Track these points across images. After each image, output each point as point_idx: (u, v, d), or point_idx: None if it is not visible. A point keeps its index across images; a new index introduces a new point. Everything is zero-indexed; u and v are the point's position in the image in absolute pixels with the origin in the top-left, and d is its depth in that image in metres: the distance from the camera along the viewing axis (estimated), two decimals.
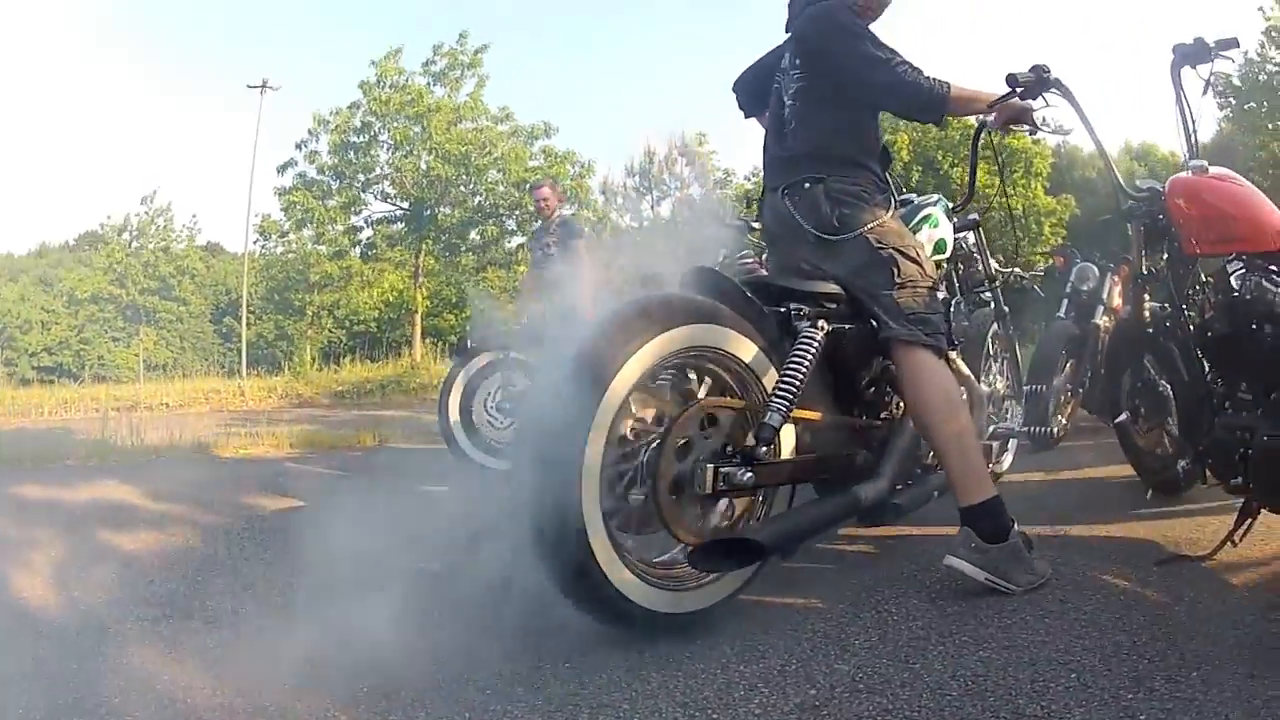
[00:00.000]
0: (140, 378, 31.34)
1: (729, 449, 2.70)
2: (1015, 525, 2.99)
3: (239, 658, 2.65)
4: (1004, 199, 3.79)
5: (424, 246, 18.10)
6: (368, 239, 18.54)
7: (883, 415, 3.33)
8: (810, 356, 2.83)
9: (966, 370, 3.69)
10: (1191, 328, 3.47)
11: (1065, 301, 5.82)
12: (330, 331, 25.51)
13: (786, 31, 3.52)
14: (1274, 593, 2.86)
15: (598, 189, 20.63)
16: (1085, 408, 5.89)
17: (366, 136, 17.37)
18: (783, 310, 2.95)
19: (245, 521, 4.71)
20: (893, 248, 3.11)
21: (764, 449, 2.68)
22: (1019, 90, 3.23)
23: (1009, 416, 4.37)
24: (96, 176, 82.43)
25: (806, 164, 3.23)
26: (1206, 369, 3.39)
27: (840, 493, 2.99)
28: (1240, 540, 3.03)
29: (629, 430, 2.62)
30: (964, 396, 3.37)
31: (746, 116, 3.84)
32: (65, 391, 15.00)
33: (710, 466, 2.59)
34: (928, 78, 3.11)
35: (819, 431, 3.01)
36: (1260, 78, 23.11)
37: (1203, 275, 3.45)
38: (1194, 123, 3.55)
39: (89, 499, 5.40)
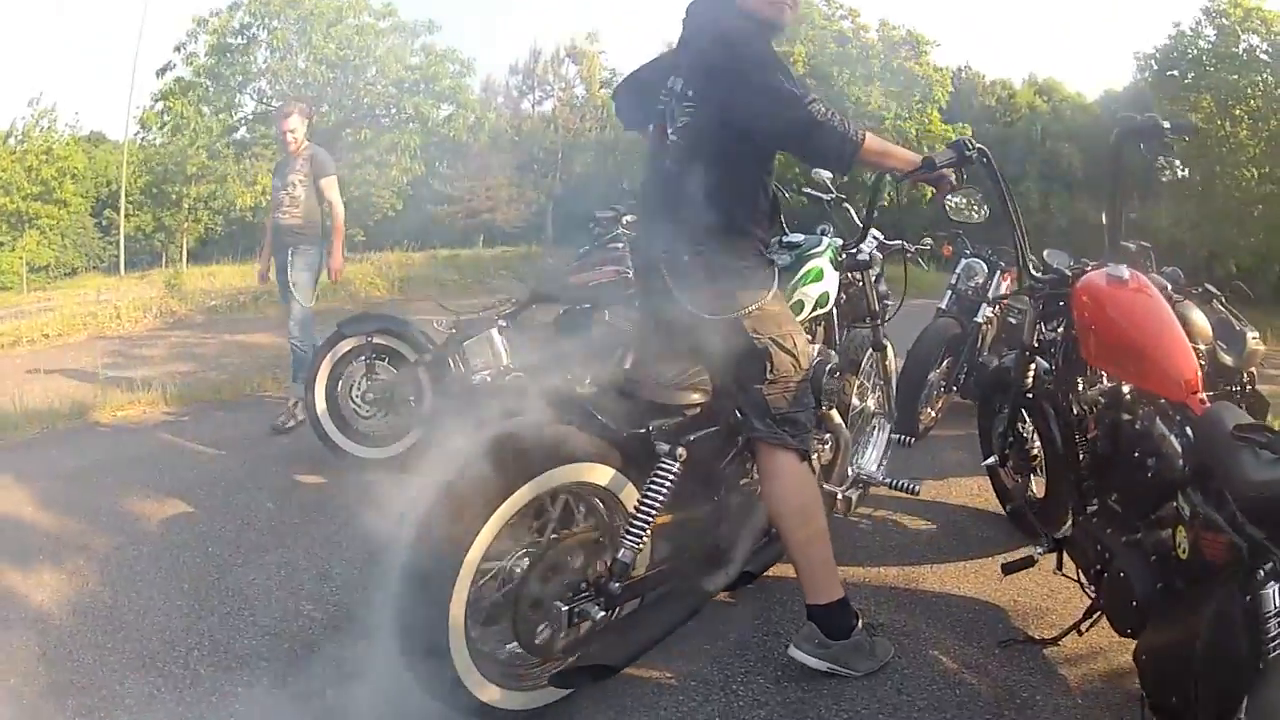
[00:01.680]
0: (24, 282, 30.77)
1: (583, 584, 2.82)
2: (859, 622, 3.15)
3: None
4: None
5: None
6: (242, 138, 17.96)
7: (733, 497, 3.37)
8: (667, 488, 2.91)
9: (837, 419, 3.78)
10: (1075, 415, 3.59)
11: (948, 294, 5.98)
12: (207, 223, 24.91)
13: (679, 45, 3.28)
14: (1108, 696, 3.04)
15: (478, 88, 20.29)
16: (962, 396, 6.18)
17: (245, 39, 16.79)
18: (642, 431, 2.97)
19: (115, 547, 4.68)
20: (769, 338, 3.07)
21: (616, 584, 2.80)
22: (936, 168, 3.13)
23: (876, 433, 4.47)
24: None
25: (689, 231, 3.06)
26: (1081, 456, 3.51)
27: (690, 592, 3.09)
28: (1085, 630, 3.20)
29: (491, 566, 2.77)
30: (818, 487, 3.43)
31: (627, 129, 3.72)
32: None
33: (565, 609, 2.75)
34: (843, 122, 2.90)
35: (672, 534, 3.10)
36: (1190, 52, 23.09)
37: (1098, 382, 3.50)
38: (1123, 203, 3.65)
39: None
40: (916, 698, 3.01)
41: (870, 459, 4.35)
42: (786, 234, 3.81)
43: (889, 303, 4.31)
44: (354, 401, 5.72)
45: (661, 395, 3.02)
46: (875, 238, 4.32)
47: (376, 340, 5.72)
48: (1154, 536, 2.92)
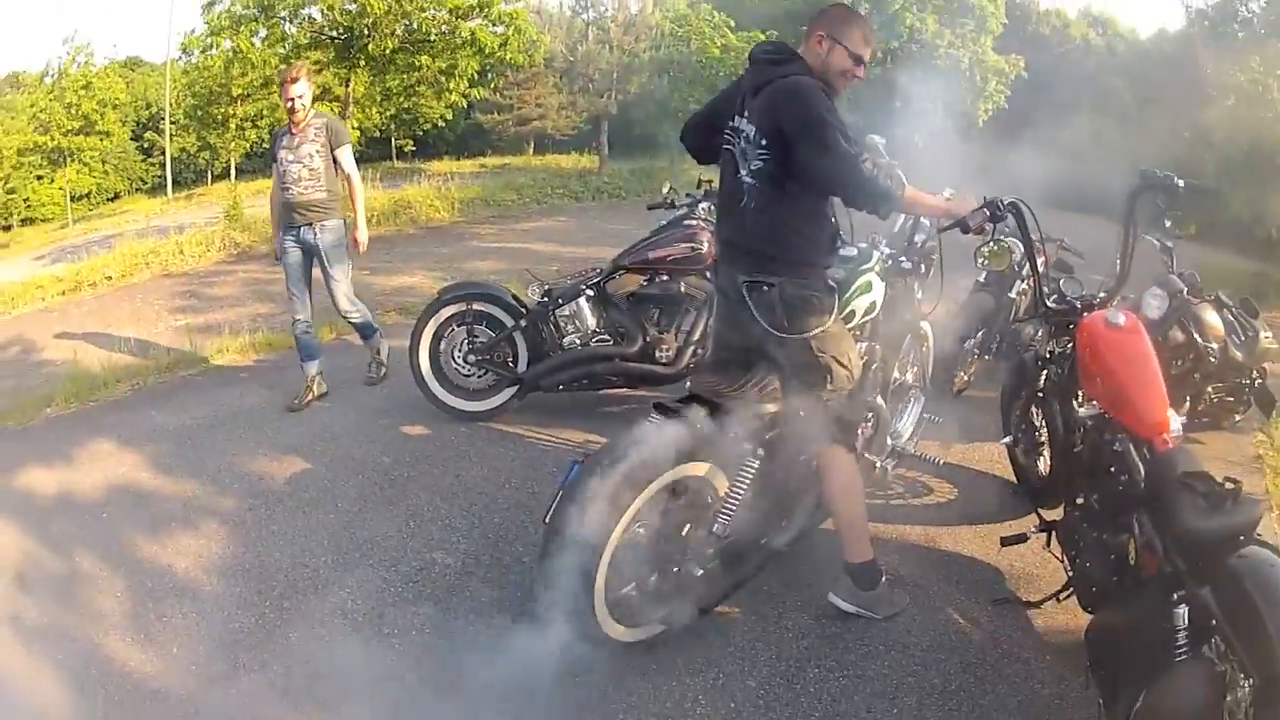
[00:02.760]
0: (69, 214, 31.63)
1: (686, 550, 3.89)
2: (883, 576, 4.16)
3: None
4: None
5: (353, 76, 18.03)
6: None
7: (794, 481, 4.26)
8: (749, 478, 3.89)
9: (879, 401, 4.80)
10: (1072, 421, 4.38)
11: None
12: (254, 140, 25.47)
13: (748, 92, 3.90)
14: (1072, 657, 3.87)
15: (533, 10, 20.64)
16: (996, 361, 7.07)
17: None
18: (731, 435, 3.85)
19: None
20: (830, 355, 3.90)
21: (710, 549, 3.87)
22: (971, 217, 3.93)
23: (912, 404, 5.58)
24: (15, 22, 78.45)
25: (767, 264, 3.84)
26: (1073, 457, 4.32)
27: (760, 552, 4.16)
28: (1063, 599, 4.07)
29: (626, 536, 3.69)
30: (866, 439, 4.73)
31: (702, 164, 4.45)
32: None
33: (674, 569, 3.83)
34: (885, 176, 3.65)
35: (750, 510, 4.00)
36: (1240, 12, 22.66)
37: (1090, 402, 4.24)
38: (1132, 253, 4.26)
39: (107, 491, 5.63)
40: (921, 639, 4.06)
41: (906, 425, 5.45)
42: (844, 245, 4.50)
43: (930, 299, 5.32)
44: (455, 361, 6.42)
45: (745, 407, 3.85)
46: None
47: (476, 307, 6.39)
48: (1116, 539, 3.68)
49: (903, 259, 4.95)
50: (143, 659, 3.89)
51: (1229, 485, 3.20)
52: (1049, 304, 4.46)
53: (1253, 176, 17.05)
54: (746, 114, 3.85)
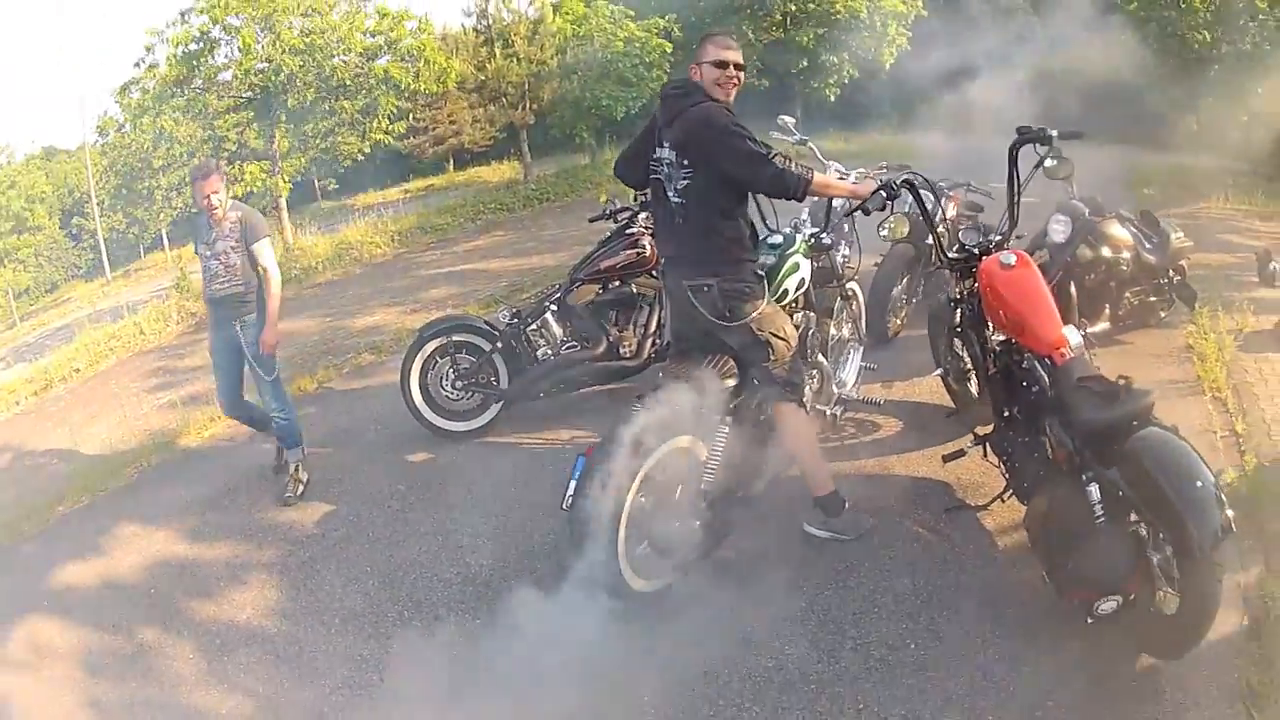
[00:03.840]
0: (13, 313, 31.70)
1: (683, 509, 4.81)
2: (846, 504, 5.07)
3: None
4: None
5: (277, 132, 18.47)
6: (218, 135, 18.69)
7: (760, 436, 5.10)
8: (723, 443, 4.79)
9: (821, 359, 5.75)
10: (986, 348, 5.10)
11: (909, 197, 7.31)
12: (179, 209, 25.70)
13: (663, 125, 4.77)
14: (1019, 544, 4.80)
15: (438, 38, 21.08)
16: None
17: (206, 43, 17.40)
18: (703, 410, 4.71)
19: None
20: (769, 333, 4.80)
21: (703, 504, 4.76)
22: (869, 201, 4.81)
23: (851, 355, 6.44)
24: None
25: (704, 268, 4.73)
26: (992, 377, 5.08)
27: (740, 498, 5.07)
28: (1006, 499, 4.89)
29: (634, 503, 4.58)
30: (814, 397, 5.61)
31: (637, 190, 5.32)
32: None
33: (677, 524, 4.74)
34: (796, 166, 4.50)
35: (729, 468, 4.91)
36: None
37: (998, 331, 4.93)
38: (1018, 200, 5.00)
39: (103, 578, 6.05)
40: (889, 551, 5.05)
41: (849, 374, 6.32)
42: (770, 234, 5.46)
43: (851, 266, 6.29)
44: (444, 389, 7.10)
45: (710, 385, 4.72)
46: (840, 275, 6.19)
47: (455, 337, 7.10)
48: (1036, 441, 4.53)
49: (823, 235, 5.77)
50: (231, 704, 4.52)
51: (1121, 382, 3.99)
52: (949, 255, 5.17)
53: (1168, 76, 17.58)
54: (666, 144, 4.74)
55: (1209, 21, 19.19)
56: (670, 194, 4.75)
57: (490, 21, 22.07)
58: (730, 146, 4.51)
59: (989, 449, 5.05)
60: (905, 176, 5.00)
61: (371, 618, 5.03)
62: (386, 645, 4.74)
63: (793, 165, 4.50)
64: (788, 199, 4.71)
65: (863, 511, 5.21)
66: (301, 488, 6.66)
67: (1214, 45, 18.73)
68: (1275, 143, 15.00)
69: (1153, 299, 7.65)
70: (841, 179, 6.09)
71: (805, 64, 25.68)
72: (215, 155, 18.37)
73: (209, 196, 6.33)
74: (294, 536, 6.10)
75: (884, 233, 5.10)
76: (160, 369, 11.77)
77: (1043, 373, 4.47)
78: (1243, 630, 4.14)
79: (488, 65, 21.87)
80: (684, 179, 4.67)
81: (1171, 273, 7.65)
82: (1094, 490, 3.92)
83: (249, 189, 18.58)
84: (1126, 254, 7.25)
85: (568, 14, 22.28)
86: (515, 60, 21.56)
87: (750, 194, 4.85)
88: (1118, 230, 7.26)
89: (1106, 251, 7.16)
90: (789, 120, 7.04)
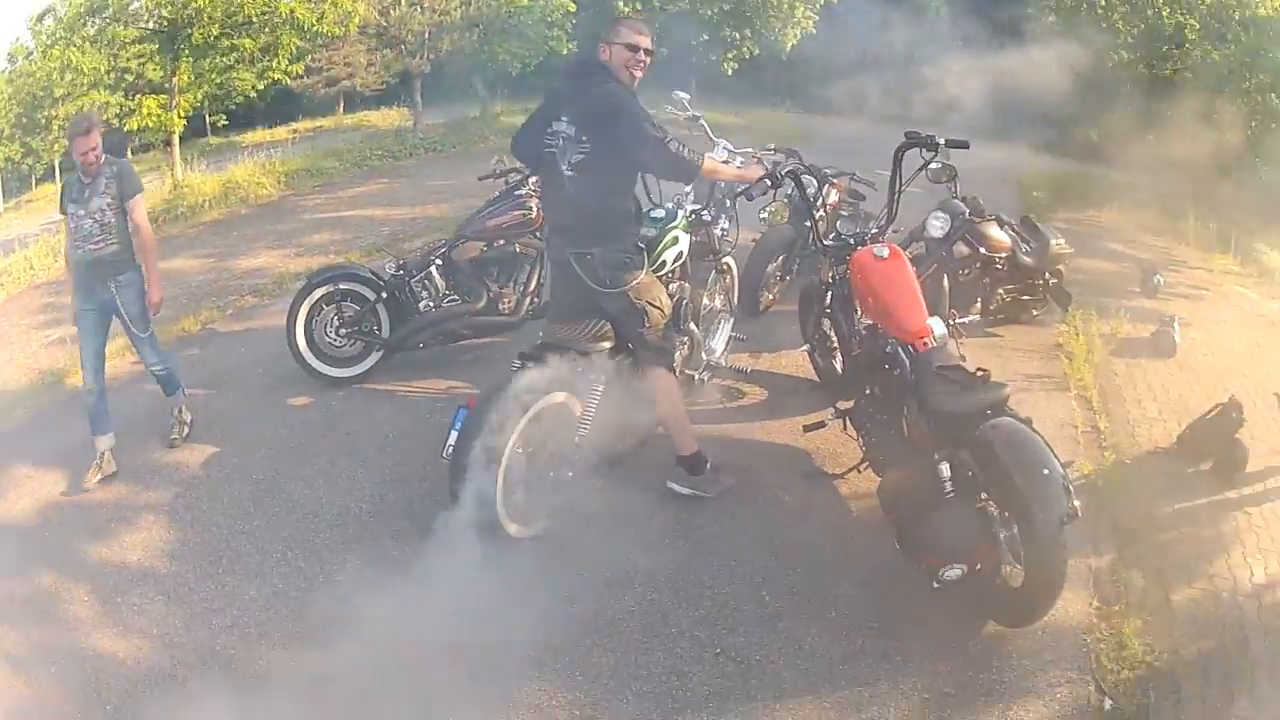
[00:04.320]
0: None
1: (558, 458, 5.21)
2: (709, 463, 5.42)
3: None
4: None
5: (179, 67, 18.18)
6: (120, 67, 18.28)
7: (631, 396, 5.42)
8: (597, 399, 5.17)
9: (692, 327, 6.14)
10: (852, 329, 5.49)
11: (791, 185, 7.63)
12: None
13: (561, 100, 5.08)
14: (873, 510, 5.12)
15: None
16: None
17: None
18: (580, 368, 5.12)
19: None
20: (646, 301, 5.15)
21: (576, 456, 5.20)
22: (754, 187, 5.28)
23: (722, 324, 6.88)
24: None
25: (588, 237, 5.04)
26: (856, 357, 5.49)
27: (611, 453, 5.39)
28: (862, 470, 5.31)
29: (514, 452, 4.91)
30: (683, 361, 6.03)
31: (527, 166, 5.64)
32: None
33: (551, 473, 5.19)
34: (689, 151, 4.86)
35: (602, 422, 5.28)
36: None
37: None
38: (899, 198, 5.45)
39: None
40: (750, 509, 5.49)
41: (718, 343, 6.77)
42: (654, 207, 5.85)
43: (731, 245, 6.78)
44: (329, 335, 7.32)
45: (587, 346, 5.15)
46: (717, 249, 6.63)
47: (341, 286, 7.34)
48: (893, 419, 4.96)
49: (703, 212, 6.26)
50: (126, 646, 4.64)
51: (979, 373, 4.47)
52: (825, 242, 5.61)
53: (1079, 88, 18.04)
54: (564, 118, 5.01)
55: (1129, 44, 19.65)
56: (563, 166, 5.02)
57: None
58: (632, 129, 4.80)
59: (848, 422, 5.46)
60: (789, 167, 5.46)
61: (257, 558, 5.25)
62: (272, 585, 4.98)
63: (686, 150, 4.85)
64: (681, 181, 5.29)
65: (724, 472, 5.60)
66: (186, 429, 6.64)
67: (1131, 66, 19.22)
68: (1177, 162, 15.52)
69: (1025, 298, 8.16)
70: (728, 162, 6.38)
71: (705, 37, 25.82)
72: (116, 87, 18.02)
73: (88, 152, 6.04)
74: (180, 478, 6.20)
75: (764, 216, 5.50)
76: (49, 305, 11.42)
77: (905, 358, 4.83)
78: (1093, 610, 4.63)
79: (391, 11, 21.72)
80: (580, 154, 4.94)
81: (1048, 275, 8.15)
82: (944, 468, 4.32)
83: (143, 123, 18.25)
84: (1002, 254, 7.72)
85: None
86: (419, 8, 21.47)
87: (637, 175, 5.24)
88: (995, 231, 7.71)
89: (982, 249, 7.61)
90: (683, 96, 7.48)
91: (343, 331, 7.33)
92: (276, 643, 4.57)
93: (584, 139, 4.93)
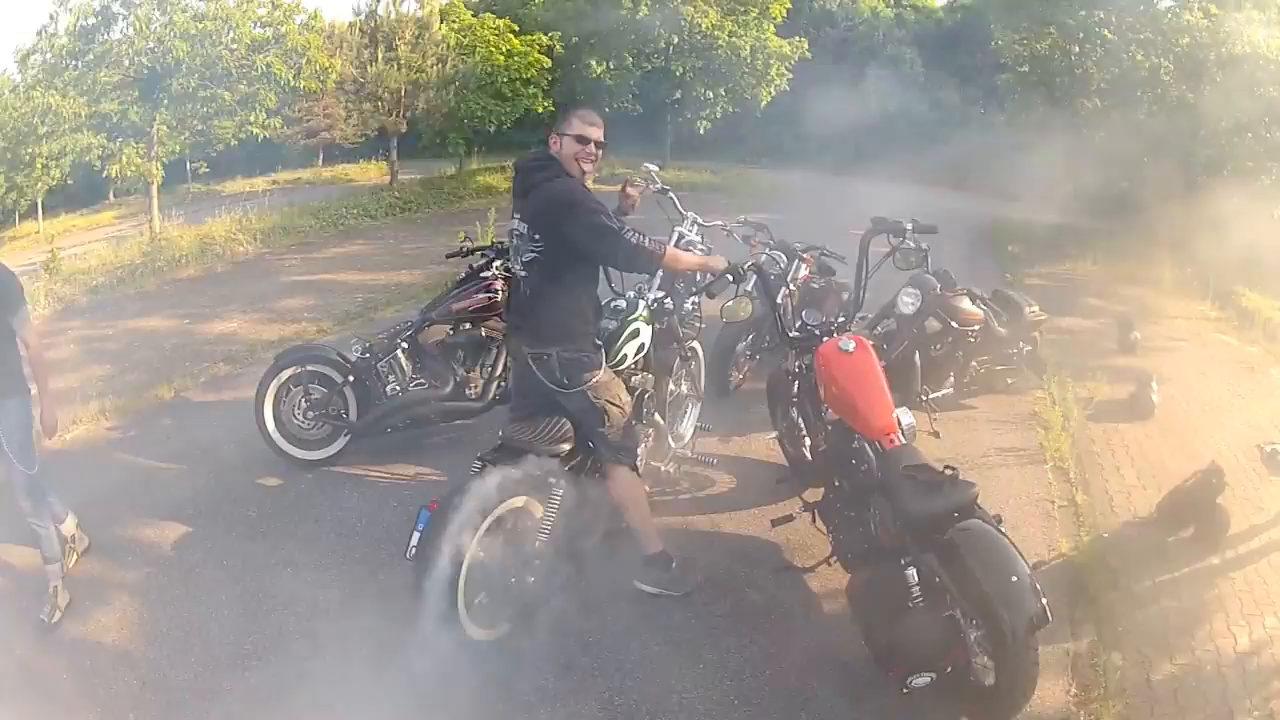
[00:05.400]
0: None
1: (520, 564, 5.14)
2: (674, 562, 5.50)
3: None
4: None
5: (157, 115, 18.31)
6: (100, 114, 18.37)
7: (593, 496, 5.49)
8: (558, 502, 5.15)
9: (657, 418, 6.18)
10: (820, 421, 5.49)
11: (754, 279, 7.35)
12: (57, 178, 25.13)
13: (518, 196, 5.13)
14: (842, 608, 5.11)
15: (325, 37, 21.01)
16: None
17: (104, 17, 17.20)
18: (538, 472, 5.05)
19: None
20: (605, 400, 5.16)
21: (538, 561, 5.14)
22: (715, 284, 5.26)
23: (690, 409, 6.91)
24: None
25: (545, 338, 5.06)
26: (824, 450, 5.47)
27: (574, 554, 5.34)
28: (832, 564, 5.30)
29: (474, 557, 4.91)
30: (648, 449, 5.98)
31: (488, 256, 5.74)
32: None
33: (512, 579, 5.12)
34: (649, 241, 4.84)
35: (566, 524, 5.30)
36: None
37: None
38: (865, 286, 5.44)
39: None
40: (716, 607, 5.45)
41: (685, 428, 6.80)
42: (615, 298, 5.90)
43: (698, 324, 6.77)
44: (296, 417, 7.40)
45: (544, 448, 5.12)
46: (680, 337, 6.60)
47: (309, 368, 7.41)
48: (861, 517, 4.93)
49: (666, 298, 6.27)
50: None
51: (947, 473, 4.44)
52: (791, 334, 5.64)
53: (1050, 138, 18.13)
54: (517, 215, 5.09)
55: (1101, 90, 19.70)
56: (517, 265, 5.12)
57: (376, 23, 22.11)
58: (584, 223, 4.79)
59: (817, 516, 5.47)
60: (752, 260, 5.52)
61: (231, 647, 5.22)
62: (245, 679, 4.97)
63: (645, 240, 4.87)
64: (639, 271, 5.22)
65: (692, 568, 5.65)
66: (59, 614, 5.52)
67: (1104, 113, 19.29)
68: (1153, 208, 15.52)
69: (1000, 367, 8.22)
70: (690, 247, 6.71)
71: (679, 95, 26.09)
72: (100, 129, 18.14)
73: None
74: (152, 558, 6.18)
75: (725, 315, 5.50)
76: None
77: (871, 455, 4.86)
78: (1070, 698, 4.69)
79: (369, 68, 21.94)
80: (531, 252, 4.97)
81: (1022, 344, 8.26)
82: (912, 573, 4.36)
83: (124, 171, 18.35)
84: (975, 326, 7.79)
85: (454, 22, 22.43)
86: (396, 66, 21.69)
87: (598, 270, 5.28)
88: (967, 305, 7.81)
89: (954, 324, 7.68)
90: (651, 169, 7.51)
91: (310, 414, 7.41)
92: None
93: (536, 237, 4.94)
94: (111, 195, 36.31)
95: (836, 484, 5.25)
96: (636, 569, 5.53)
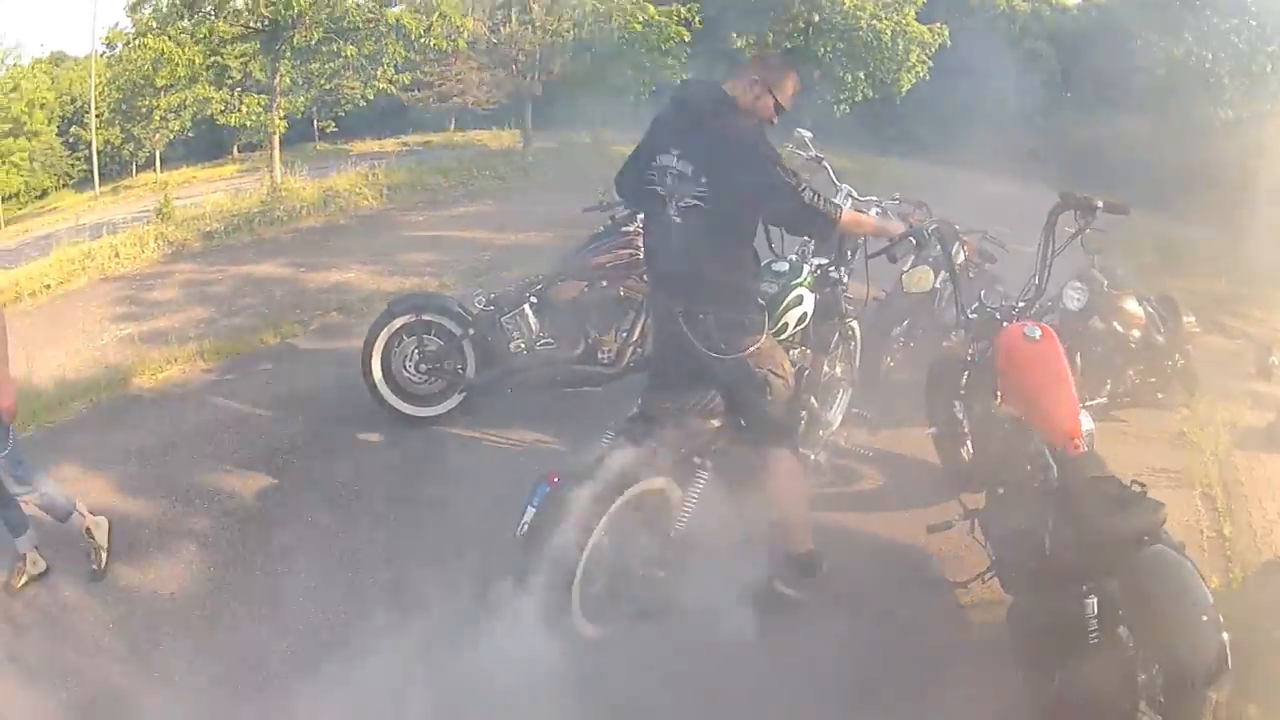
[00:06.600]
0: None
1: (650, 553, 4.41)
2: (824, 564, 4.61)
3: None
4: (953, 277, 5.13)
5: (280, 67, 18.01)
6: (221, 63, 18.16)
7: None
8: (701, 488, 4.39)
9: (812, 401, 5.32)
10: (991, 417, 4.76)
11: (912, 259, 6.90)
12: (176, 131, 25.32)
13: (672, 131, 4.28)
14: (994, 631, 4.36)
15: None
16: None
17: None
18: (682, 450, 4.33)
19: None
20: (767, 369, 4.36)
21: (671, 553, 4.38)
22: (896, 246, 4.50)
23: (841, 395, 5.95)
24: None
25: (700, 293, 4.27)
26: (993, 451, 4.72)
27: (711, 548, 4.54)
28: (987, 580, 4.50)
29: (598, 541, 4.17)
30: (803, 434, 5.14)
31: (630, 206, 4.85)
32: None
33: (640, 572, 4.39)
34: (824, 202, 4.08)
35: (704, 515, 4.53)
36: None
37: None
38: (1050, 267, 4.69)
39: None
40: (858, 620, 4.56)
41: (836, 416, 5.85)
42: (774, 259, 5.07)
43: (854, 299, 5.83)
44: (407, 370, 6.70)
45: (690, 423, 4.34)
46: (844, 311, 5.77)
47: (425, 317, 6.69)
48: (1032, 531, 4.08)
49: (831, 269, 5.38)
50: (129, 682, 4.24)
51: (1135, 488, 3.68)
52: (968, 314, 4.91)
53: (1185, 147, 17.38)
54: (675, 152, 4.20)
55: (1234, 100, 18.96)
56: (670, 209, 4.26)
57: None
58: (764, 175, 4.04)
59: (977, 525, 4.66)
60: (935, 224, 4.70)
61: (302, 608, 4.71)
62: (296, 651, 4.41)
63: (822, 201, 4.09)
64: (810, 236, 4.51)
65: (836, 575, 4.79)
66: (105, 555, 5.18)
67: (1235, 125, 18.52)
68: None
69: (1153, 379, 7.38)
70: (863, 209, 5.69)
71: (818, 74, 25.27)
72: (219, 84, 18.04)
73: None
74: (230, 508, 5.74)
75: (903, 284, 4.68)
76: (127, 298, 11.44)
77: (1051, 461, 4.11)
78: None
79: (502, 29, 21.47)
80: (694, 197, 4.16)
81: (1177, 356, 7.38)
82: (1092, 603, 3.63)
83: (243, 121, 18.16)
84: (1136, 332, 6.98)
85: None
86: (530, 27, 21.22)
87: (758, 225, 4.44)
88: (1133, 306, 7.00)
89: (1118, 326, 6.89)
90: (805, 135, 6.60)
91: (423, 367, 6.72)
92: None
93: (703, 180, 4.13)
94: (236, 150, 37.27)
95: (1002, 491, 4.53)
96: (778, 567, 4.65)
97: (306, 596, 4.82)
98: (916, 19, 24.97)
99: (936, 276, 6.52)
